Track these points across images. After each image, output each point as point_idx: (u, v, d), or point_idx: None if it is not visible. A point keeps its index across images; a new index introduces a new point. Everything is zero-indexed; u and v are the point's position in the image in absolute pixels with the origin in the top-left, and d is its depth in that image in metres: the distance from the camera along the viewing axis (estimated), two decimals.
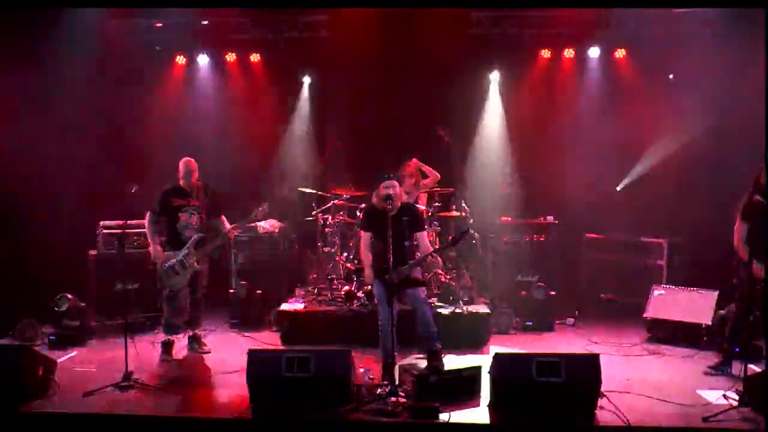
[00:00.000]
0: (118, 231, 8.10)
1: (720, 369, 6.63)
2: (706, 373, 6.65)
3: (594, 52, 9.92)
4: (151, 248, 7.21)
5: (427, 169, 8.55)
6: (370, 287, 7.23)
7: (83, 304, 7.98)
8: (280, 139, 9.98)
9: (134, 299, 8.06)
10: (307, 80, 10.29)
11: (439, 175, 8.57)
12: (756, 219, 6.26)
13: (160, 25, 9.86)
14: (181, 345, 7.50)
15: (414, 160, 8.55)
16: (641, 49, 9.70)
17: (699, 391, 6.11)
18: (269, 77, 10.20)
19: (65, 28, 8.80)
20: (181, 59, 10.15)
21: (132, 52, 9.66)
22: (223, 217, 7.45)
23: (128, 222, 7.57)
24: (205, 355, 7.37)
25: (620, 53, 9.88)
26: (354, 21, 9.37)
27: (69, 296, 7.90)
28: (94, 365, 6.95)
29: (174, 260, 7.13)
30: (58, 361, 6.59)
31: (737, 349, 6.57)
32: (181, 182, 7.32)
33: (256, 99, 10.18)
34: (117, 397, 5.96)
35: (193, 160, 7.38)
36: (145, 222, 7.29)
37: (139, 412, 5.70)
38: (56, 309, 7.82)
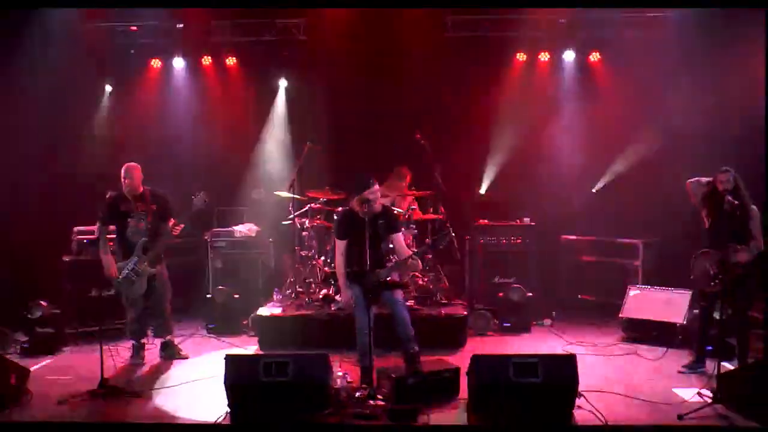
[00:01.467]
0: (93, 237, 8.01)
1: (694, 367, 6.72)
2: (680, 372, 6.73)
3: (569, 55, 10.00)
4: (103, 260, 7.10)
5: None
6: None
7: (57, 311, 7.87)
8: (256, 142, 9.93)
9: (109, 305, 7.96)
10: (283, 83, 10.27)
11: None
12: (719, 217, 6.38)
13: (135, 28, 9.78)
14: (154, 352, 7.47)
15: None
16: (615, 53, 9.79)
17: (674, 390, 6.19)
18: (245, 81, 10.16)
19: (38, 29, 8.71)
20: (156, 63, 10.07)
21: (107, 55, 9.56)
22: (172, 221, 7.32)
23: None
24: (182, 361, 7.31)
25: (595, 56, 9.96)
26: (331, 24, 9.37)
27: (42, 303, 7.79)
28: (68, 373, 6.86)
29: (126, 270, 7.06)
30: (31, 369, 6.49)
31: (710, 348, 6.68)
32: (124, 188, 7.16)
33: (232, 103, 10.14)
34: (92, 405, 5.89)
35: (135, 164, 7.21)
36: (95, 232, 7.20)
37: (115, 419, 5.65)
38: (29, 316, 7.71)
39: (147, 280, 7.14)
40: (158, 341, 7.54)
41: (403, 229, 6.98)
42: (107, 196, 7.24)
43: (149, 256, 7.12)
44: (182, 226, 7.29)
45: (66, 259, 8.40)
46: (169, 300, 7.44)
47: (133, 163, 7.22)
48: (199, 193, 7.22)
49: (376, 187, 6.26)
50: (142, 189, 7.19)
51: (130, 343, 7.42)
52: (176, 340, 7.68)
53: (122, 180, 7.15)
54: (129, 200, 7.17)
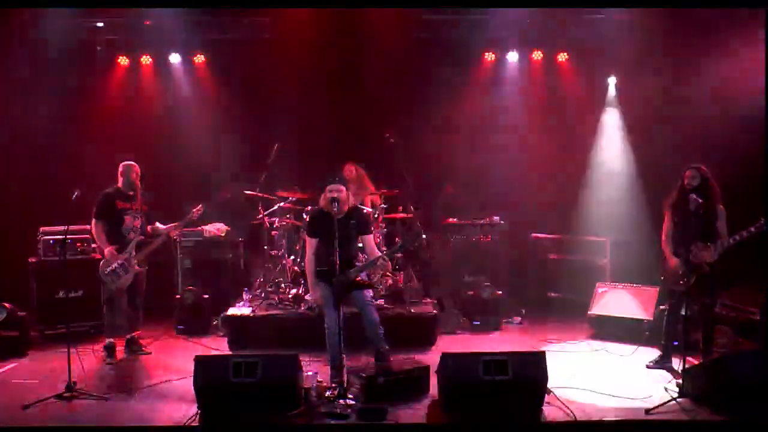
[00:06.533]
0: (60, 237, 7.90)
1: (661, 363, 6.83)
2: (648, 367, 6.83)
3: (537, 55, 10.07)
4: (106, 252, 7.13)
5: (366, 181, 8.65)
6: None
7: (22, 314, 7.75)
8: (224, 141, 9.87)
9: (77, 307, 7.87)
10: (252, 82, 10.19)
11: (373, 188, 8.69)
12: (686, 216, 6.49)
13: (102, 24, 9.64)
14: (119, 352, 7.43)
15: (351, 164, 8.61)
16: (583, 53, 9.89)
17: (641, 385, 6.27)
18: (213, 78, 10.08)
19: (2, 28, 8.57)
20: (123, 60, 9.94)
21: (73, 52, 9.42)
22: (157, 223, 7.54)
23: (70, 227, 7.32)
24: (151, 363, 7.24)
25: (562, 57, 10.05)
26: (298, 22, 9.34)
27: (7, 305, 7.66)
28: (34, 377, 6.74)
29: (116, 264, 7.12)
30: None
31: (676, 343, 6.78)
32: (122, 185, 7.32)
33: (200, 101, 10.05)
34: (59, 409, 5.80)
35: (135, 164, 7.37)
36: (92, 230, 7.25)
37: (82, 423, 5.57)
38: None
39: (132, 276, 7.23)
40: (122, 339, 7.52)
41: (372, 229, 7.00)
42: (106, 193, 7.26)
43: (141, 254, 7.27)
44: (177, 231, 7.64)
45: (32, 260, 8.27)
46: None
47: (134, 162, 7.40)
48: (199, 205, 7.53)
49: (340, 186, 6.25)
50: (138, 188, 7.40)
51: (98, 345, 7.40)
52: (145, 341, 7.65)
53: (123, 176, 7.29)
54: (127, 197, 7.30)
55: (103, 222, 7.23)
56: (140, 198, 7.39)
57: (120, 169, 7.34)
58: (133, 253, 7.23)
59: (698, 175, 6.57)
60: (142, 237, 7.32)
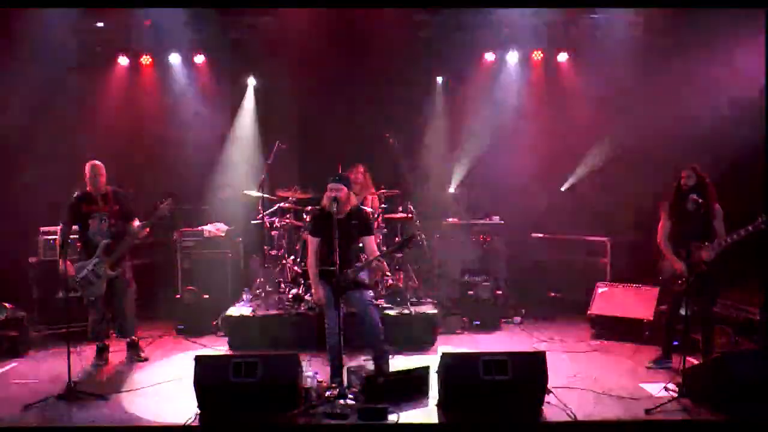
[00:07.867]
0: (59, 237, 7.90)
1: (661, 362, 6.83)
2: (647, 367, 6.83)
3: (537, 55, 10.06)
4: (60, 263, 6.89)
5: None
6: None
7: (22, 314, 7.76)
8: (224, 141, 9.86)
9: (76, 307, 7.85)
10: (252, 82, 10.20)
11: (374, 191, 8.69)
12: (683, 216, 6.49)
13: (101, 24, 9.62)
14: (120, 354, 7.42)
15: (360, 167, 8.60)
16: (583, 53, 9.88)
17: (641, 385, 6.28)
18: (214, 79, 10.07)
19: (2, 28, 8.56)
20: (123, 60, 9.93)
21: (72, 53, 9.40)
22: (135, 222, 7.23)
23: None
24: (151, 363, 7.24)
25: (563, 57, 10.05)
26: (300, 22, 9.32)
27: (7, 305, 7.67)
28: (34, 376, 6.76)
29: (86, 270, 6.99)
30: None
31: (676, 343, 6.79)
32: (89, 187, 7.11)
33: (200, 101, 10.04)
34: (59, 409, 5.81)
35: (99, 163, 7.16)
36: (58, 234, 7.06)
37: (83, 423, 5.57)
38: None
39: (107, 282, 7.06)
40: (123, 342, 7.48)
41: (374, 230, 6.99)
42: (73, 196, 7.13)
43: (112, 258, 7.04)
44: (148, 229, 7.27)
45: (32, 260, 8.27)
46: (133, 300, 7.38)
47: (97, 162, 7.17)
48: (167, 200, 7.18)
49: (340, 185, 6.24)
50: (105, 188, 7.15)
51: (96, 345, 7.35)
52: (144, 342, 7.65)
53: (86, 178, 7.09)
54: (92, 200, 7.09)
55: (70, 227, 7.07)
56: (110, 199, 7.15)
57: (85, 170, 7.09)
58: (102, 257, 7.01)
59: (693, 174, 6.60)
60: (110, 240, 7.05)
